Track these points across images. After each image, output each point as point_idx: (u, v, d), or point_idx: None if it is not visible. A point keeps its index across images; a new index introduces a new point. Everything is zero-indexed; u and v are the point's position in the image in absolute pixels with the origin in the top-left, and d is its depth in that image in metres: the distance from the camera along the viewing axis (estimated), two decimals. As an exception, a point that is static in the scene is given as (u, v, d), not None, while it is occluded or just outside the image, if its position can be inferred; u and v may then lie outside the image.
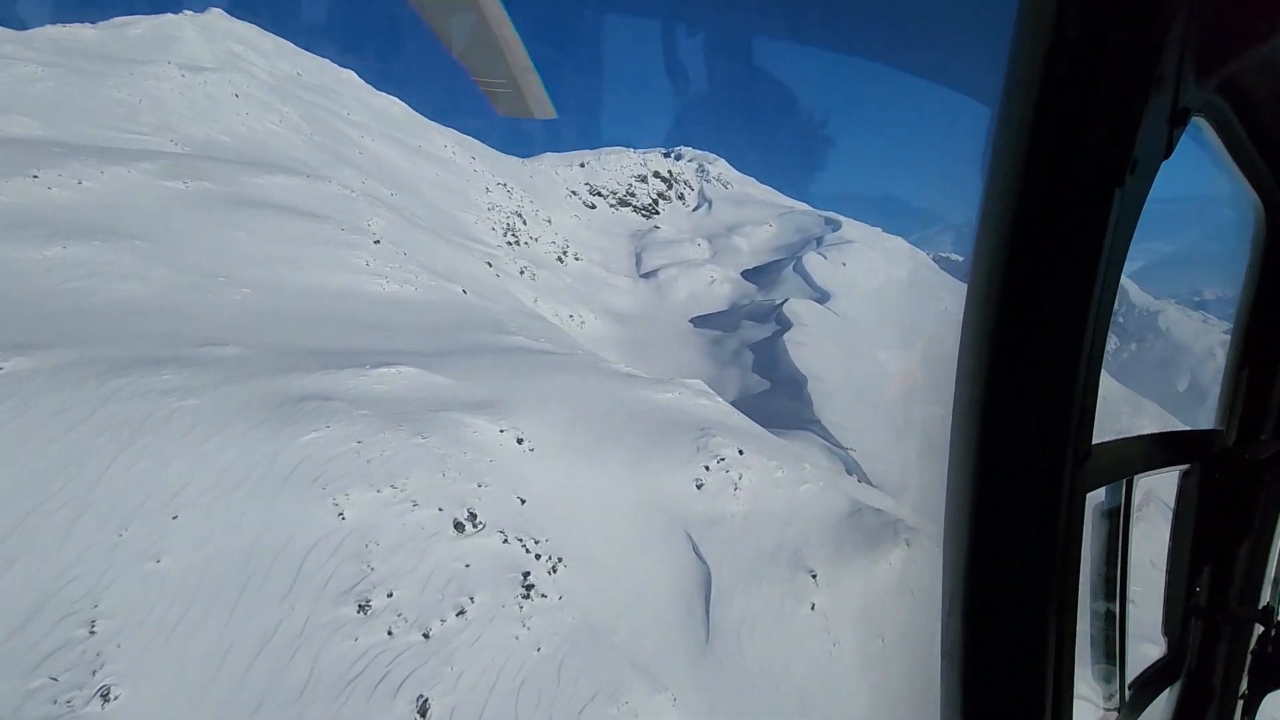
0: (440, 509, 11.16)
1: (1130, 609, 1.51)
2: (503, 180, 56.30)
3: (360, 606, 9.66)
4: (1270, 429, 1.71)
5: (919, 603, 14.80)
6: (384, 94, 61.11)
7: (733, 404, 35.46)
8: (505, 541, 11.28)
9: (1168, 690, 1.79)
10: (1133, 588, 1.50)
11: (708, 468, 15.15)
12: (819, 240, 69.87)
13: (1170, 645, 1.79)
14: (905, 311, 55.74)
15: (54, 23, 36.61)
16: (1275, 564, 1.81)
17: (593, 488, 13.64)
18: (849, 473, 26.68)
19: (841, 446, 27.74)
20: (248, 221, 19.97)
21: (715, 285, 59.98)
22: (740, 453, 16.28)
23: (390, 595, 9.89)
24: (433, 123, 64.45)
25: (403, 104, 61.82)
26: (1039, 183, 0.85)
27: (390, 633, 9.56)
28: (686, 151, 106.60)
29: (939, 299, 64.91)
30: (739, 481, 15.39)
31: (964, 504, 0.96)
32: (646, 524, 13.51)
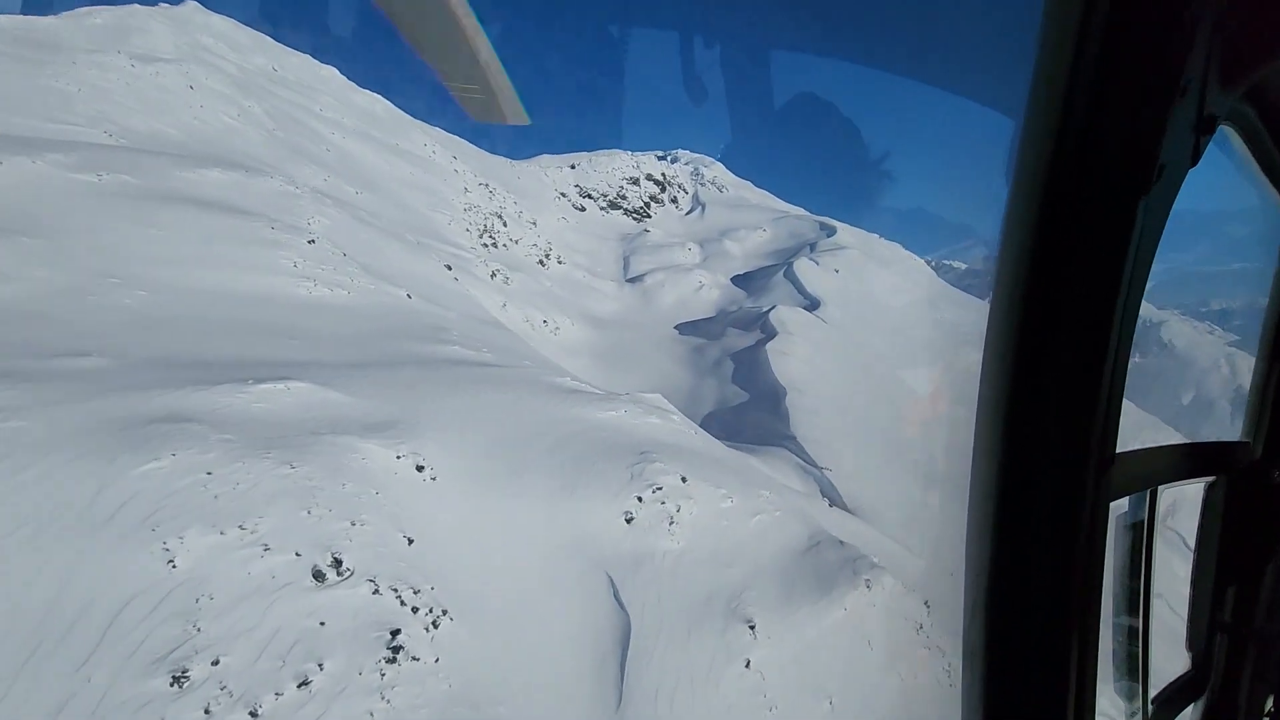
0: (298, 554, 9.52)
1: (1154, 622, 1.45)
2: (485, 181, 54.79)
3: (175, 678, 8.02)
4: None
5: (876, 657, 13.12)
6: (366, 91, 59.71)
7: (707, 417, 33.80)
8: (376, 592, 9.64)
9: (1191, 707, 1.75)
10: (1157, 601, 1.43)
11: (640, 499, 13.50)
12: (813, 246, 68.24)
13: (1195, 661, 1.76)
14: (899, 320, 54.04)
15: (17, 13, 35.25)
16: None
17: (501, 523, 12.00)
18: (822, 495, 24.99)
19: (817, 466, 26.04)
20: (165, 218, 18.39)
21: (703, 291, 58.34)
22: (683, 480, 14.62)
23: (216, 663, 8.25)
24: (419, 122, 63.04)
25: (386, 102, 60.44)
26: (1064, 190, 0.85)
27: (208, 710, 7.93)
28: (683, 155, 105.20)
29: (936, 307, 63.26)
30: (676, 514, 13.74)
31: (987, 509, 0.95)
32: (561, 566, 11.86)
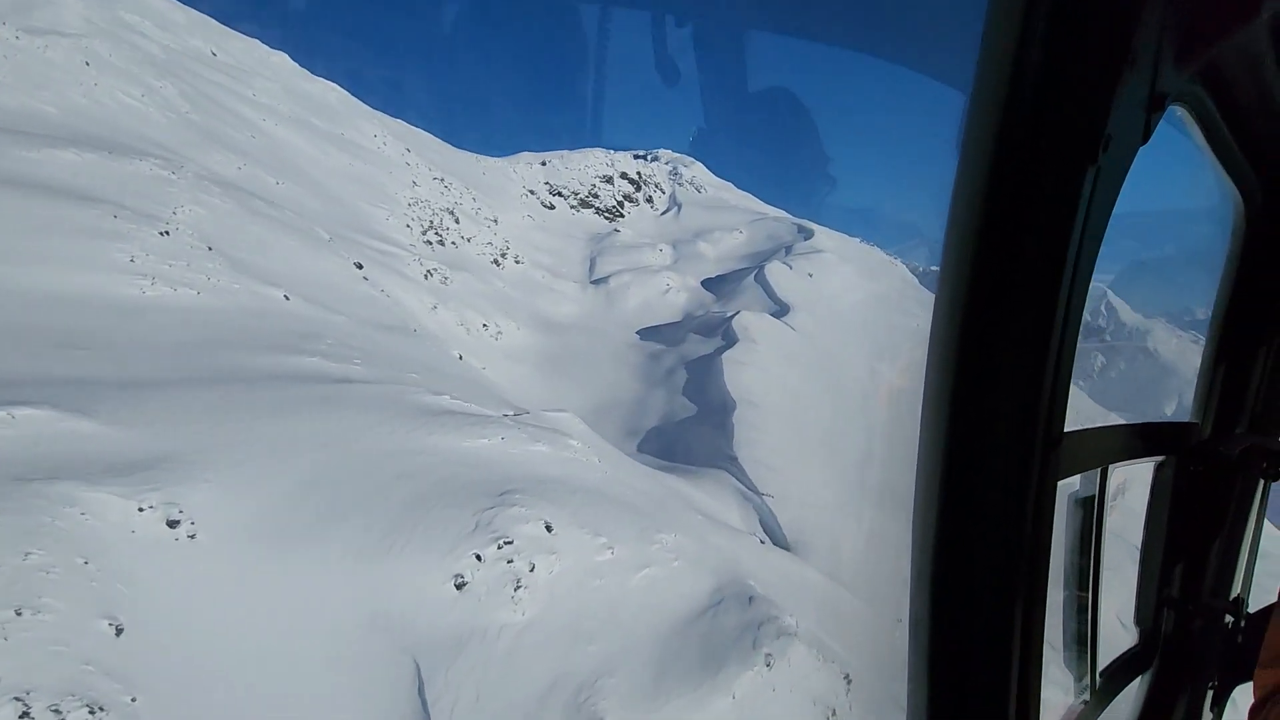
0: (-89, 663, 6.83)
1: (1103, 598, 1.49)
2: (441, 175, 52.02)
3: None
4: (1245, 423, 1.71)
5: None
6: (321, 80, 56.84)
7: (650, 433, 31.18)
8: (25, 716, 6.94)
9: (1139, 679, 1.81)
10: (1106, 577, 1.48)
11: (479, 556, 10.84)
12: (788, 249, 65.77)
13: (1142, 635, 1.81)
14: (872, 328, 51.59)
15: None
16: (1246, 556, 1.82)
17: (276, 595, 9.31)
18: (761, 526, 22.40)
19: (758, 491, 23.46)
20: (-24, 203, 15.61)
21: (671, 294, 55.73)
22: (547, 529, 11.99)
23: None
24: (378, 113, 60.17)
25: (342, 92, 57.58)
26: (1010, 159, 0.84)
27: None
28: (664, 154, 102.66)
29: (912, 315, 60.79)
30: (528, 575, 11.09)
31: (932, 485, 0.95)
32: (350, 653, 9.18)
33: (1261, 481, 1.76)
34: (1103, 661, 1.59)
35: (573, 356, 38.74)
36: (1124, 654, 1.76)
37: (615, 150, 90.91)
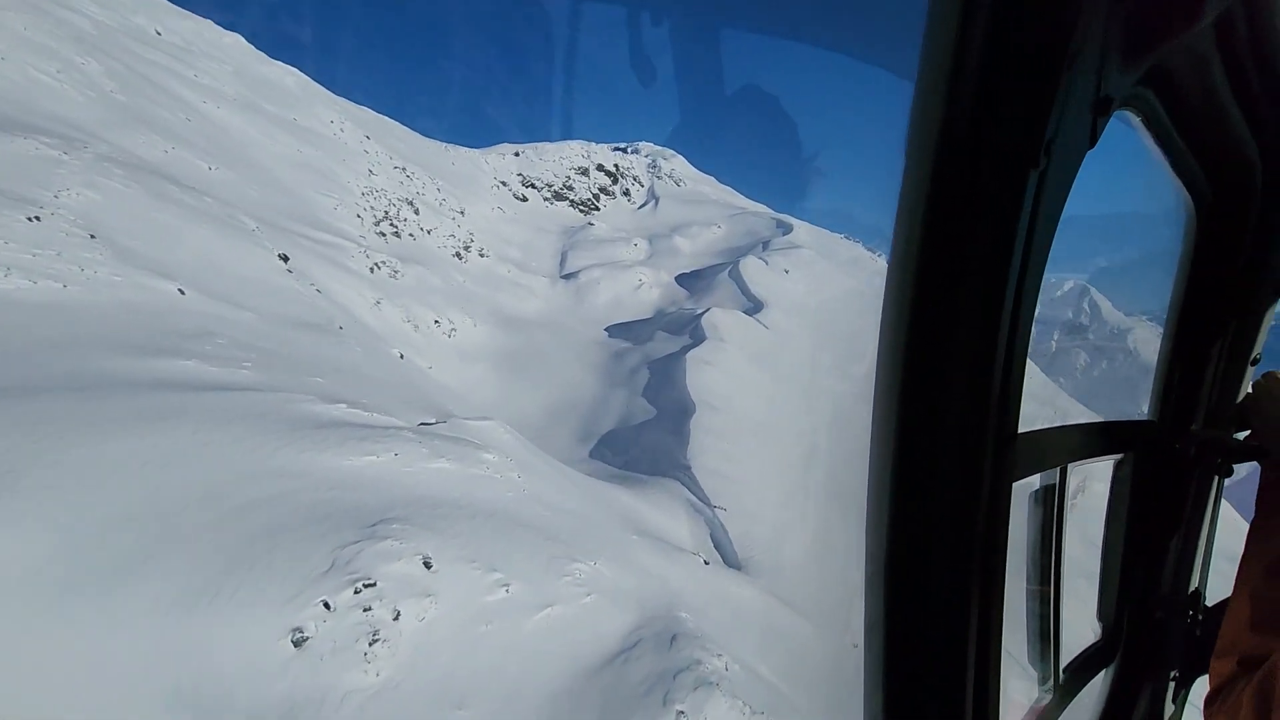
0: None
1: (1066, 595, 1.51)
2: (403, 165, 49.92)
3: None
4: (1200, 419, 1.74)
5: None
6: (279, 63, 54.48)
7: (605, 437, 29.45)
8: None
9: (1102, 673, 1.84)
10: (1071, 574, 1.50)
11: (328, 604, 9.04)
12: (766, 244, 64.18)
13: (1105, 630, 1.84)
14: (850, 326, 50.16)
15: None
16: (1204, 550, 1.85)
17: (48, 665, 7.51)
18: (711, 542, 20.75)
19: (710, 504, 21.80)
20: None
21: (643, 290, 54.04)
22: (426, 565, 10.24)
23: None
24: (340, 99, 57.96)
25: (301, 76, 55.28)
26: (952, 162, 0.84)
27: None
28: (645, 147, 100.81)
29: (891, 312, 59.39)
30: (391, 624, 9.33)
31: (883, 488, 0.95)
32: (135, 736, 7.40)
33: (1216, 477, 1.80)
34: (1066, 658, 1.60)
35: (533, 355, 36.92)
36: (1087, 650, 1.77)
37: (595, 142, 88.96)
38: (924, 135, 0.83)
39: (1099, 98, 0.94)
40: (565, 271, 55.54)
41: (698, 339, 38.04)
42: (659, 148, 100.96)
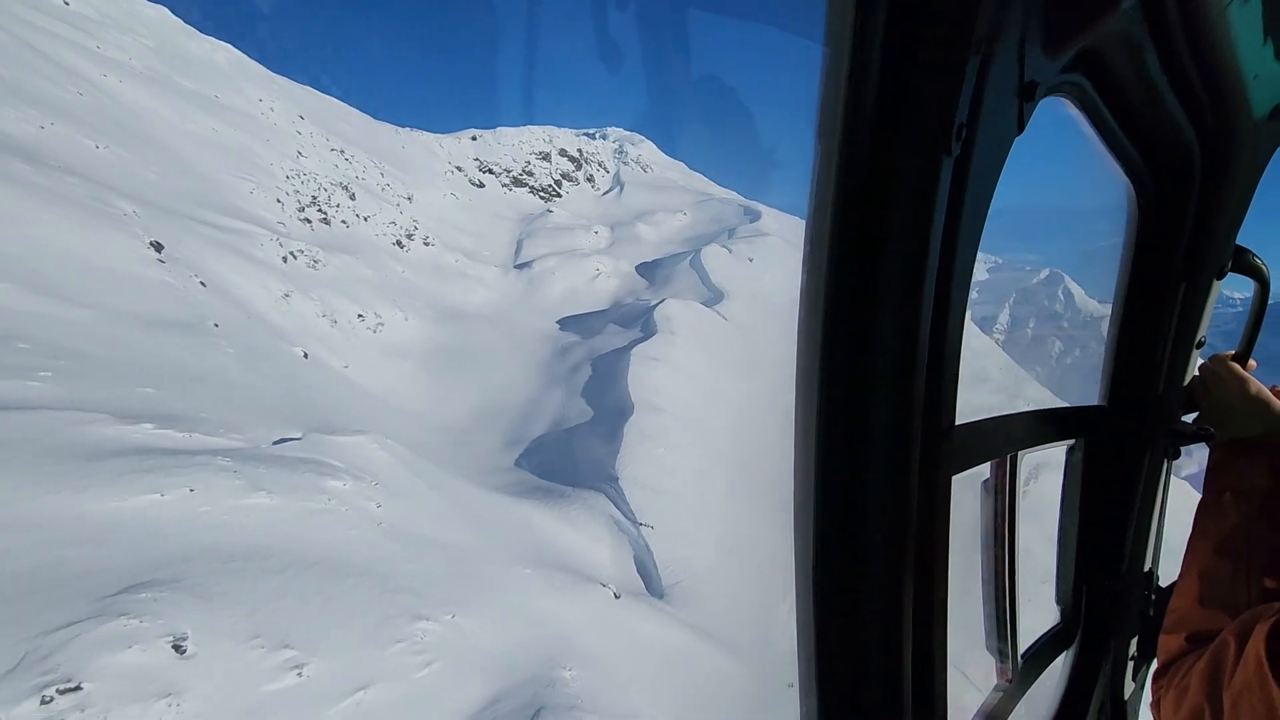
0: None
1: (1021, 582, 1.50)
2: (341, 147, 46.83)
3: None
4: (1149, 404, 1.74)
5: None
6: (209, 39, 51.04)
7: (534, 443, 27.01)
8: None
9: (1061, 657, 1.83)
10: (1024, 561, 1.49)
11: (47, 697, 6.58)
12: (731, 232, 61.79)
13: (1063, 614, 1.83)
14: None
15: None
16: (1156, 531, 1.86)
17: None
18: (635, 566, 18.45)
19: (637, 521, 19.47)
20: None
21: (600, 280, 51.46)
22: (177, 650, 7.79)
23: None
24: (279, 77, 54.55)
25: (234, 53, 51.80)
26: (860, 145, 0.81)
27: None
28: (614, 132, 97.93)
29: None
30: (98, 744, 6.87)
31: (808, 488, 0.92)
32: None
33: (1165, 460, 1.80)
34: (1025, 644, 1.58)
35: (469, 350, 34.32)
36: (1045, 635, 1.77)
37: (564, 128, 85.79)
38: (831, 118, 0.79)
39: (1024, 83, 0.91)
40: (519, 261, 52.83)
41: (649, 332, 35.66)
42: (627, 133, 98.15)
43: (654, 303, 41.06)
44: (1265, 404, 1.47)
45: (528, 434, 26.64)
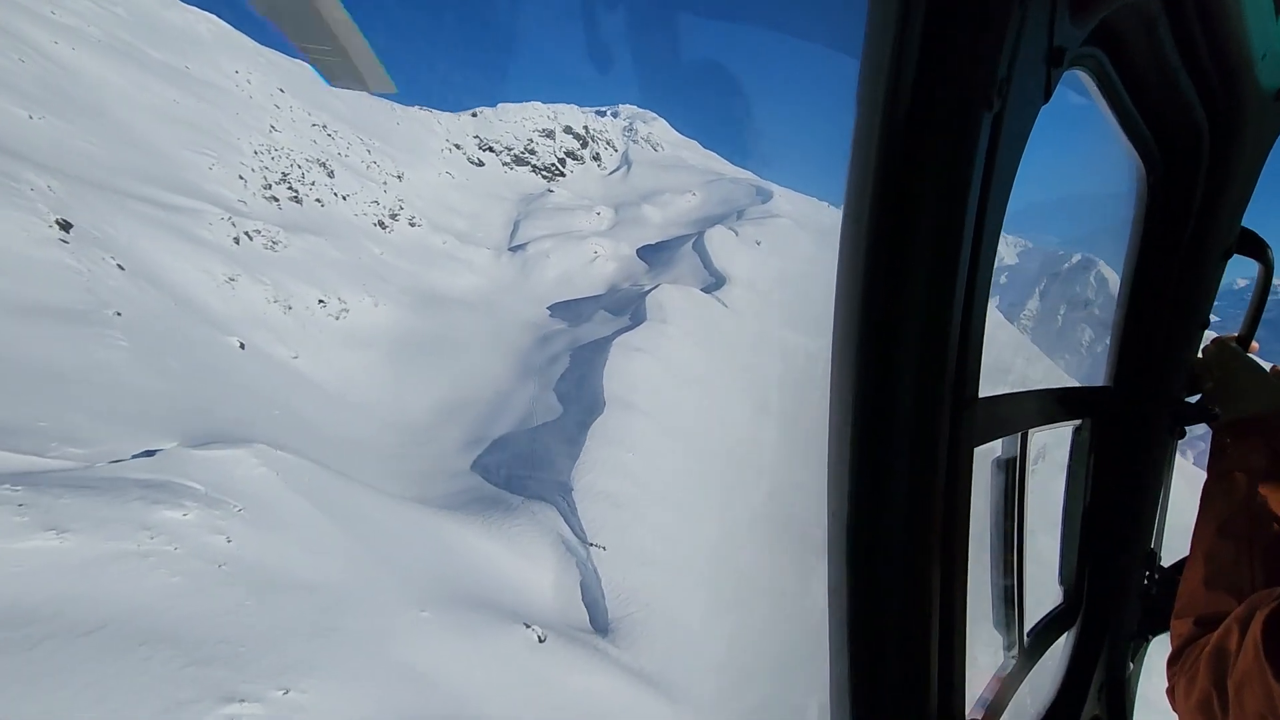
0: None
1: (1028, 559, 1.50)
2: (323, 122, 44.54)
3: None
4: (1155, 384, 1.73)
5: None
6: (193, 9, 48.97)
7: (495, 443, 24.59)
8: None
9: (1065, 635, 1.83)
10: (1032, 539, 1.47)
11: None
12: (741, 213, 58.63)
13: (1066, 594, 1.83)
14: (824, 305, 44.97)
15: None
16: (1159, 512, 1.84)
17: None
18: (581, 595, 16.00)
19: (587, 541, 16.99)
20: None
21: (597, 263, 48.82)
22: None
23: None
24: (267, 50, 52.35)
25: (219, 24, 49.75)
26: (902, 105, 0.82)
27: None
28: (626, 109, 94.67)
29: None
30: None
31: (843, 453, 0.93)
32: None
33: (1170, 440, 1.79)
34: (1030, 621, 1.58)
35: (444, 339, 32.00)
36: (1050, 613, 1.76)
37: (579, 106, 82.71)
38: (874, 70, 0.80)
39: (1052, 47, 0.92)
40: (514, 243, 50.38)
41: (638, 320, 33.05)
42: (640, 110, 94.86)
43: (649, 288, 38.38)
44: (1269, 385, 1.47)
45: (490, 432, 24.27)
